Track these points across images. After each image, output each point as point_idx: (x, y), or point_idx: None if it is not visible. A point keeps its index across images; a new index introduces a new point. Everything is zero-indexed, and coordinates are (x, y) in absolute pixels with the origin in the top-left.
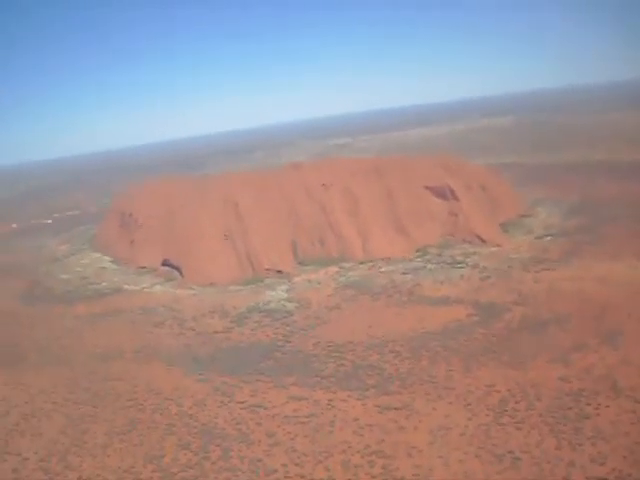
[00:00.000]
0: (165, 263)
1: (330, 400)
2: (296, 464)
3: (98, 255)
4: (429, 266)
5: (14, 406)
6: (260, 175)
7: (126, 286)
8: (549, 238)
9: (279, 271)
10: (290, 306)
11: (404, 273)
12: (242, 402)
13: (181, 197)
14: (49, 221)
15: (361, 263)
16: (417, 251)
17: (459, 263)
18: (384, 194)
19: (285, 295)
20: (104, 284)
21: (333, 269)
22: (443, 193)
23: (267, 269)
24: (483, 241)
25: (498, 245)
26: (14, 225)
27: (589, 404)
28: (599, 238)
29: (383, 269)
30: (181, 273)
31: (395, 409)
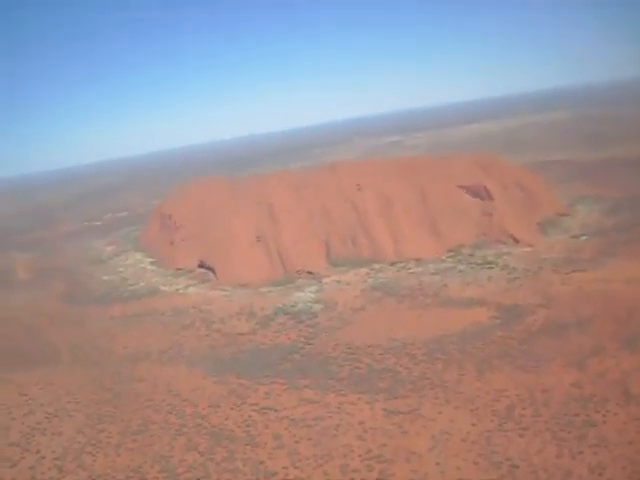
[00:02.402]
0: (201, 264)
1: (340, 403)
2: (296, 467)
3: (140, 256)
4: (459, 267)
5: (40, 405)
6: (295, 176)
7: (162, 287)
8: (584, 237)
9: (310, 272)
10: (316, 307)
11: (433, 274)
12: (254, 404)
13: (217, 198)
14: (99, 223)
15: (392, 264)
16: (449, 251)
17: (489, 264)
18: (417, 194)
19: (313, 296)
20: (142, 285)
21: (363, 270)
22: (478, 192)
23: (298, 270)
24: (517, 241)
25: (531, 245)
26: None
27: (598, 411)
28: (636, 237)
29: (412, 270)
30: (215, 274)
31: (401, 413)
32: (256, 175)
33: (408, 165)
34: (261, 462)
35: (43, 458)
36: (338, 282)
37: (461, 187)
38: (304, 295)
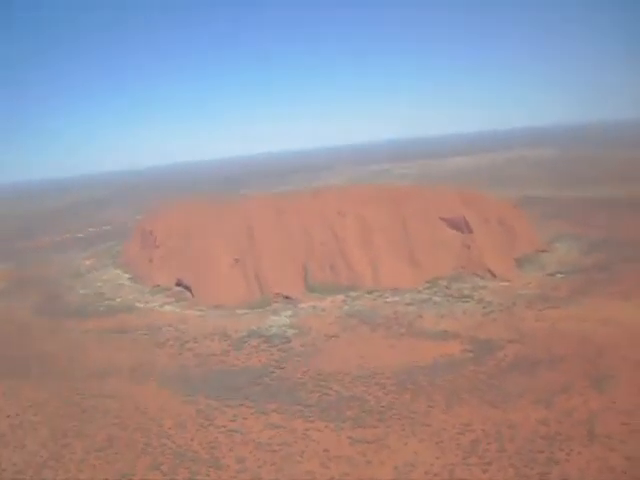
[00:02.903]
0: (178, 283)
1: (306, 430)
2: None
3: (119, 272)
4: (435, 298)
5: (5, 417)
6: (277, 199)
7: (138, 304)
8: (561, 275)
9: (287, 296)
10: (290, 332)
11: (408, 304)
12: (221, 426)
13: (199, 218)
14: (81, 235)
15: (369, 292)
16: (427, 282)
17: (465, 297)
18: (398, 223)
19: (288, 321)
20: (118, 300)
21: (340, 297)
22: (458, 225)
23: (276, 294)
24: (494, 275)
25: (508, 280)
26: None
27: (562, 449)
28: (613, 277)
29: (389, 299)
30: (192, 293)
31: (367, 442)
32: (238, 197)
33: (390, 194)
34: None
35: (4, 471)
36: (314, 308)
37: (442, 219)
38: (279, 319)
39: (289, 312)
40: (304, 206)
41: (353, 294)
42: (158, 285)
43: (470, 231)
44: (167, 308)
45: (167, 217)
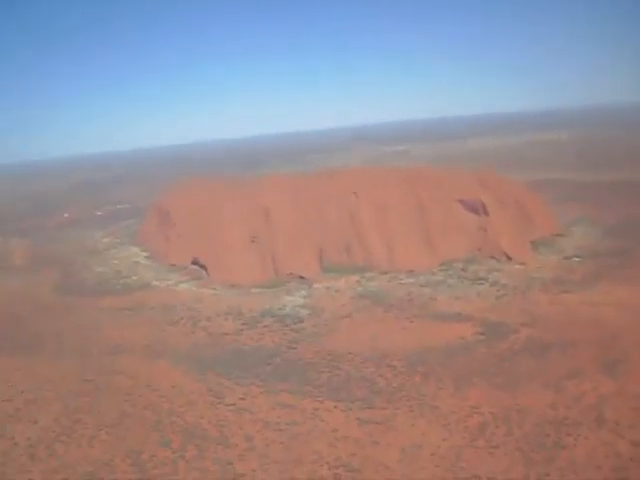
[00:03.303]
0: (194, 262)
1: (315, 409)
2: (264, 470)
3: (136, 250)
4: (449, 280)
5: (20, 392)
6: (293, 180)
7: (154, 282)
8: (577, 259)
9: (301, 276)
10: (303, 312)
11: (423, 286)
12: (231, 404)
13: (215, 197)
14: (99, 213)
15: (383, 273)
16: (442, 264)
17: (480, 279)
18: (414, 205)
19: (301, 301)
20: (134, 278)
21: (354, 278)
22: (475, 207)
23: (290, 274)
24: (509, 258)
25: (523, 263)
26: (66, 215)
27: (569, 434)
28: (629, 262)
29: (403, 281)
30: (207, 272)
31: (375, 423)
32: (254, 177)
33: (407, 176)
34: (230, 463)
35: (16, 445)
36: (328, 288)
37: (459, 201)
38: (293, 299)
39: (303, 292)
40: (320, 187)
41: (368, 275)
42: (174, 264)
43: (486, 214)
44: (182, 286)
45: (184, 196)
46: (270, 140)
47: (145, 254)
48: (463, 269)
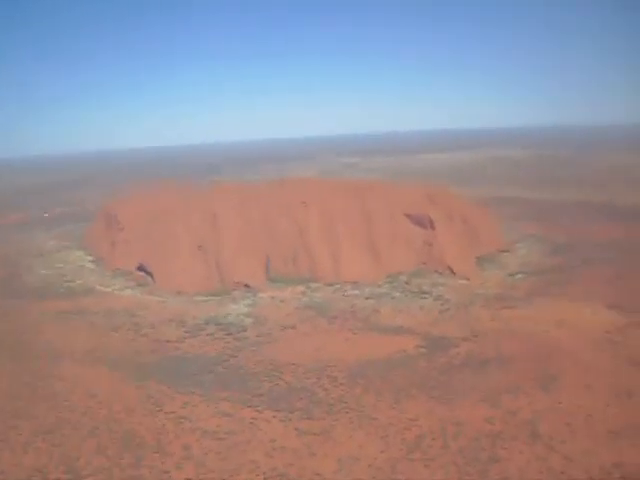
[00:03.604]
0: (140, 268)
1: (254, 419)
2: None
3: (82, 254)
4: (394, 293)
5: None
6: (242, 188)
7: (98, 287)
8: (521, 276)
9: (247, 285)
10: (247, 321)
11: (367, 298)
12: (170, 412)
13: (163, 203)
14: (46, 215)
15: (329, 285)
16: (387, 277)
17: (424, 293)
18: (362, 218)
19: (246, 310)
20: (78, 283)
21: (300, 288)
22: (422, 222)
23: (236, 282)
24: (453, 273)
25: (467, 278)
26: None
27: (504, 448)
28: (572, 280)
29: (348, 292)
30: (153, 279)
31: (313, 434)
32: (205, 184)
33: (356, 188)
34: (166, 472)
35: None
36: (273, 298)
37: (406, 215)
38: (237, 308)
39: (248, 301)
40: (268, 196)
41: (313, 286)
42: (120, 269)
43: (433, 228)
44: (127, 292)
45: (132, 201)
46: (226, 147)
47: (91, 258)
48: (407, 282)
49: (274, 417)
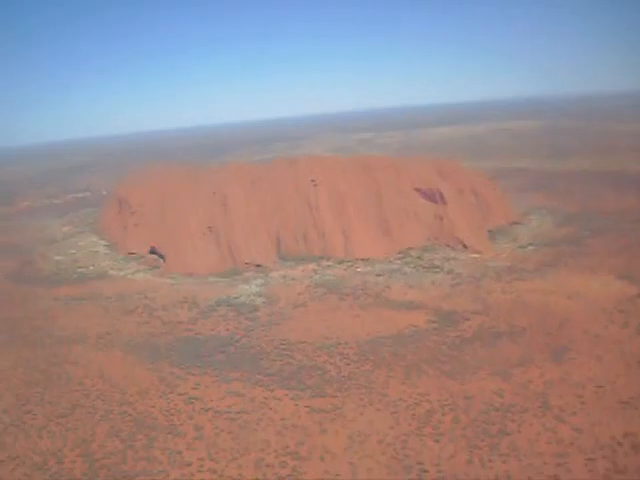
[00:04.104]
0: (152, 250)
1: (265, 398)
2: (212, 459)
3: (95, 239)
4: (405, 269)
5: None
6: (252, 169)
7: (111, 271)
8: (532, 248)
9: (258, 265)
10: (258, 301)
11: (378, 275)
12: (183, 394)
13: (174, 186)
14: (59, 201)
15: (340, 262)
16: (399, 253)
17: (435, 268)
18: (372, 194)
19: (257, 289)
20: (91, 268)
21: (311, 266)
22: (432, 196)
23: (247, 262)
24: (465, 247)
25: (479, 252)
26: (25, 203)
27: (514, 421)
28: (583, 250)
29: (360, 269)
30: (165, 261)
31: (324, 412)
32: (214, 165)
33: (366, 165)
34: (179, 452)
35: None
36: (284, 277)
37: (416, 190)
38: (249, 288)
39: (259, 281)
40: (278, 175)
41: (324, 263)
42: (132, 253)
43: (444, 202)
44: (139, 276)
45: (142, 184)
46: (239, 128)
47: (104, 243)
48: (419, 257)
49: (285, 395)
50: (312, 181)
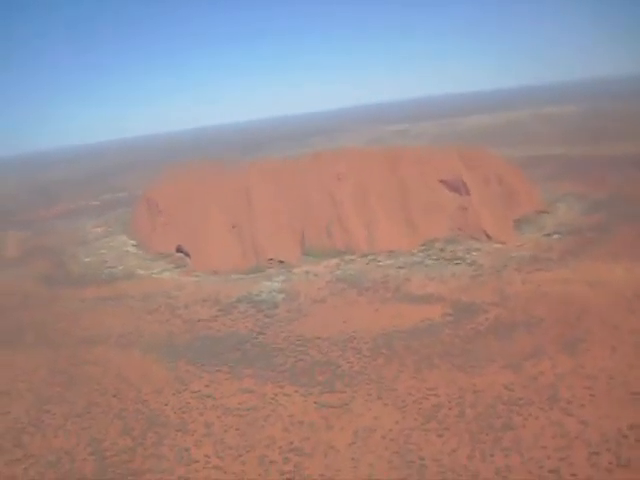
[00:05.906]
0: (179, 249)
1: (275, 395)
2: (218, 456)
3: (125, 239)
4: (427, 261)
5: None
6: (276, 165)
7: (139, 271)
8: (557, 236)
9: (282, 261)
10: (279, 297)
11: (400, 268)
12: (196, 391)
13: (199, 184)
14: (96, 203)
15: (364, 256)
16: (423, 245)
17: (458, 259)
18: (396, 186)
19: (278, 286)
20: (120, 268)
21: (334, 261)
22: (456, 187)
23: (270, 259)
24: (489, 237)
25: (503, 242)
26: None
27: (520, 414)
28: (607, 238)
29: (382, 263)
30: (190, 260)
31: (332, 407)
32: (239, 162)
33: (389, 156)
34: (187, 449)
35: None
36: (307, 273)
37: (441, 181)
38: (270, 284)
39: (282, 277)
40: (302, 170)
41: (347, 258)
42: (161, 252)
43: (468, 193)
44: (166, 275)
45: (169, 184)
46: (275, 123)
47: (133, 243)
48: (442, 249)
49: (295, 392)
50: (336, 175)
